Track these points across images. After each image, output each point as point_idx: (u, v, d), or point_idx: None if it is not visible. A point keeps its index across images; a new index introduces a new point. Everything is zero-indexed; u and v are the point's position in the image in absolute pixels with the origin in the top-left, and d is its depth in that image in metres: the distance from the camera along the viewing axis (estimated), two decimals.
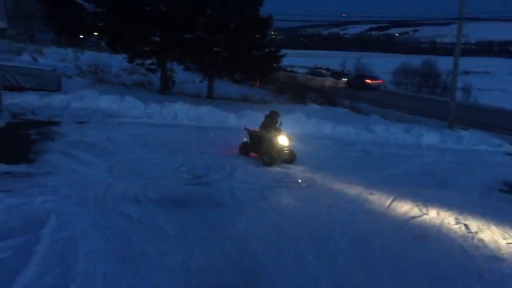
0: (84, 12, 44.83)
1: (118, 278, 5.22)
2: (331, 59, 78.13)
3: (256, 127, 11.86)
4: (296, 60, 69.78)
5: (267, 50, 25.86)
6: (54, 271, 5.22)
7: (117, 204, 7.53)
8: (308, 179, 10.16)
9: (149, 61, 24.98)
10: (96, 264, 5.48)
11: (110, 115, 15.50)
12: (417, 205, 8.87)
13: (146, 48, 24.67)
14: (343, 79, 50.45)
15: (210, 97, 25.61)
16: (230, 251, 6.20)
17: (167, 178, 9.29)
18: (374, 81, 45.73)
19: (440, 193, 9.88)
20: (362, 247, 6.70)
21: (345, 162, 12.29)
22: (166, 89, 25.46)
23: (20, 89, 18.04)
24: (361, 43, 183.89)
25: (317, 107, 25.61)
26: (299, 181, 10.02)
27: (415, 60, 58.48)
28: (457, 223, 8.07)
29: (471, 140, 16.74)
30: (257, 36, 25.34)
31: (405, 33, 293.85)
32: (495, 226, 8.06)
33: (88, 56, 36.74)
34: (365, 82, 44.12)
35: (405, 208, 8.68)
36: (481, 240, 7.32)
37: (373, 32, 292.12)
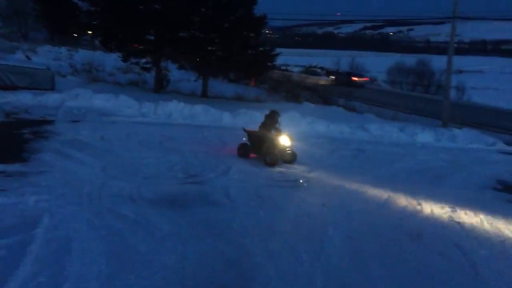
0: (78, 11, 44.62)
1: (112, 278, 5.20)
2: (326, 58, 78.10)
3: (251, 126, 11.82)
4: (290, 59, 69.82)
5: (261, 49, 25.84)
6: (48, 270, 5.20)
7: (112, 203, 7.51)
8: (303, 178, 10.17)
9: (143, 60, 24.89)
10: (90, 263, 5.46)
11: (104, 114, 15.45)
12: (412, 203, 8.91)
13: (140, 47, 24.59)
14: (330, 76, 51.20)
15: (204, 96, 25.59)
16: (225, 250, 6.19)
17: (161, 177, 9.28)
18: (360, 78, 46.88)
19: (435, 192, 9.91)
20: (356, 246, 6.72)
21: (339, 161, 12.31)
22: (161, 88, 25.41)
23: (13, 88, 17.96)
24: (355, 42, 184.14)
25: (311, 105, 25.60)
26: (294, 180, 10.03)
27: (410, 59, 58.57)
28: (451, 221, 8.11)
29: (465, 138, 16.82)
30: (251, 35, 25.30)
31: (400, 32, 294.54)
32: (489, 224, 8.10)
33: (82, 55, 36.51)
34: (352, 79, 45.00)
35: (399, 206, 8.71)
36: (475, 238, 7.36)
37: (368, 31, 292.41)
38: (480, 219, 8.35)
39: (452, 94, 32.85)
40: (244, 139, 11.80)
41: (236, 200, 8.29)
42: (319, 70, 62.03)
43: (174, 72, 29.32)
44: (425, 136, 16.54)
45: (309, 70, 60.16)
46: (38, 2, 52.30)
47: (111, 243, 6.03)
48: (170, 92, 25.30)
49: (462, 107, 29.00)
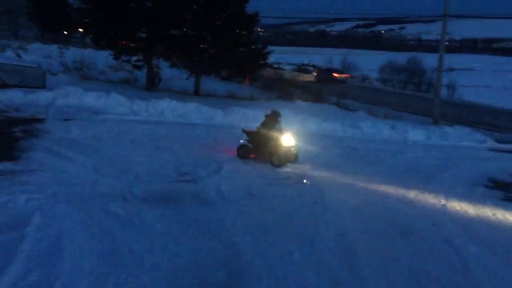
0: (69, 8, 44.36)
1: (104, 276, 5.19)
2: (318, 56, 78.24)
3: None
4: (283, 57, 69.80)
5: (253, 47, 25.79)
6: (39, 269, 5.18)
7: (103, 202, 7.49)
8: (295, 176, 10.19)
9: (135, 58, 24.74)
10: (82, 262, 5.44)
11: (95, 112, 15.37)
12: (403, 201, 8.96)
13: (132, 45, 24.45)
14: (313, 73, 52.01)
15: (196, 94, 25.50)
16: (217, 248, 6.20)
17: (153, 176, 9.25)
18: (341, 75, 48.21)
19: (426, 189, 9.97)
20: (348, 243, 6.75)
21: (332, 159, 12.34)
22: (153, 86, 25.31)
23: (3, 86, 17.79)
24: (348, 40, 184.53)
25: (304, 103, 25.62)
26: (286, 178, 10.04)
27: (401, 57, 58.76)
28: (443, 218, 8.16)
29: (456, 136, 16.92)
30: (243, 32, 25.25)
31: (391, 30, 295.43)
32: (480, 221, 8.17)
33: (73, 53, 36.22)
34: (332, 75, 46.56)
35: (391, 203, 8.76)
36: (466, 235, 7.42)
37: (360, 29, 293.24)
38: (471, 216, 8.42)
39: (443, 92, 33.06)
40: (241, 141, 11.52)
41: (228, 198, 8.30)
42: (311, 68, 62.12)
43: (166, 70, 29.19)
44: (416, 134, 16.62)
45: (301, 68, 60.23)
46: (28, 0, 51.90)
47: (103, 242, 6.02)
48: (162, 90, 25.22)
49: (453, 105, 29.18)
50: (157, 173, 9.48)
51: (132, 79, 27.48)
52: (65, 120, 13.80)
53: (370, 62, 66.09)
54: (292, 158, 11.26)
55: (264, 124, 11.38)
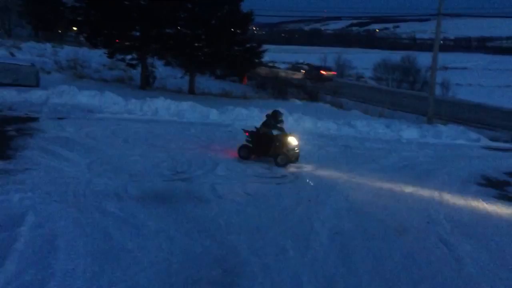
0: (63, 6, 44.15)
1: (99, 275, 5.18)
2: (313, 55, 78.40)
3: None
4: (277, 56, 69.90)
5: (248, 45, 25.79)
6: (33, 268, 5.15)
7: (97, 200, 7.47)
8: (290, 174, 10.21)
9: (129, 56, 24.69)
10: (76, 261, 5.42)
11: (90, 111, 15.32)
12: (397, 199, 8.99)
13: (126, 43, 24.39)
14: (301, 70, 52.69)
15: (191, 92, 25.48)
16: (212, 247, 6.20)
17: (148, 174, 9.23)
18: (328, 72, 49.05)
19: (420, 187, 10.01)
20: (342, 241, 6.76)
21: (326, 157, 12.36)
22: (147, 84, 25.26)
23: None
24: (342, 39, 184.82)
25: (298, 102, 25.66)
26: (281, 176, 10.06)
27: (396, 56, 59.06)
28: (437, 216, 8.20)
29: (450, 134, 17.01)
30: (238, 31, 25.26)
31: (386, 29, 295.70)
32: (474, 218, 8.22)
33: (67, 51, 36.05)
34: (320, 73, 47.39)
35: (385, 201, 8.78)
36: (460, 233, 7.45)
37: (354, 28, 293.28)
38: (465, 213, 8.46)
39: (437, 90, 33.23)
40: (244, 142, 11.41)
41: (223, 196, 8.30)
42: (305, 67, 62.30)
43: (160, 69, 29.15)
44: (410, 132, 16.70)
45: (296, 67, 60.49)
46: None
47: (97, 241, 6.00)
48: (156, 88, 25.19)
49: (447, 104, 29.31)
50: (152, 171, 9.47)
51: (126, 78, 27.40)
52: (59, 119, 13.74)
53: (364, 61, 66.36)
54: (296, 158, 11.27)
55: (265, 124, 11.33)
